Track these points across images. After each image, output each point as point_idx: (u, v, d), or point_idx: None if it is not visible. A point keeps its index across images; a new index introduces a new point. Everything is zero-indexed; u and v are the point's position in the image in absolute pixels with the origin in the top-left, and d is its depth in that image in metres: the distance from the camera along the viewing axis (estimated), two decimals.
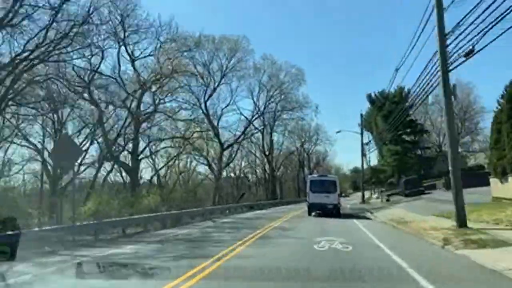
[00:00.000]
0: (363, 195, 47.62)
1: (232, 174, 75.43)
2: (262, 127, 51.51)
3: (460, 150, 62.88)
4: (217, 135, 45.26)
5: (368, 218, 25.20)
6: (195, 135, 37.21)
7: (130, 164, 34.56)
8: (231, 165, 73.42)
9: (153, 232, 18.60)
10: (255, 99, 49.17)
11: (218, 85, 44.18)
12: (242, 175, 73.07)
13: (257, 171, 65.42)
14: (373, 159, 68.61)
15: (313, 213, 25.08)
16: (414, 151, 60.39)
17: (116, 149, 34.74)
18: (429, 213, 21.55)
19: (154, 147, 39.63)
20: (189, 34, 36.70)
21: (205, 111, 43.48)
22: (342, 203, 28.33)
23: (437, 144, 63.58)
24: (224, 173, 74.15)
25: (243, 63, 44.53)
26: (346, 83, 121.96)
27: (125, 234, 17.87)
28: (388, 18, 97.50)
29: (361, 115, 49.31)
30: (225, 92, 48.07)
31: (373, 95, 61.55)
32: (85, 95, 32.99)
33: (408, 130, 58.55)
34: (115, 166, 35.25)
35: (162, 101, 37.10)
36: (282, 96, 49.20)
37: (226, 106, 48.04)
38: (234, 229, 17.43)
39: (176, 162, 41.91)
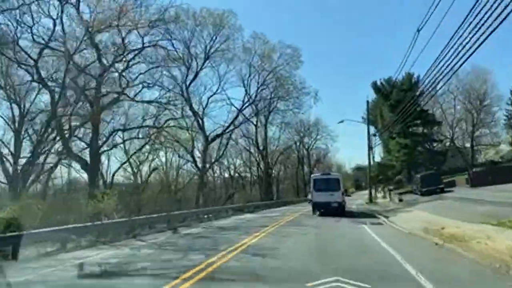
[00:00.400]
0: (371, 194, 40.79)
1: (227, 174, 69.07)
2: (253, 116, 44.21)
3: (474, 144, 56.13)
4: (201, 125, 38.53)
5: (384, 224, 18.50)
6: (170, 123, 30.22)
7: (89, 159, 27.91)
8: (225, 163, 67.07)
9: (65, 254, 11.98)
10: (245, 85, 42.16)
11: (201, 68, 37.47)
12: (236, 174, 66.61)
13: (252, 169, 58.67)
14: (377, 155, 61.82)
15: (317, 212, 23.76)
16: (424, 144, 53.46)
17: (72, 140, 28.15)
18: (473, 218, 14.85)
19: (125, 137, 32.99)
20: (163, 6, 29.91)
21: (186, 97, 36.74)
22: (346, 204, 25.99)
23: (448, 137, 56.48)
24: (217, 172, 67.92)
25: (231, 42, 37.71)
26: (346, 83, 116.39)
27: (15, 258, 11.26)
28: (388, 18, 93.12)
29: (367, 102, 42.46)
30: (212, 79, 41.53)
31: (378, 82, 54.59)
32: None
33: (418, 121, 51.52)
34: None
35: (130, 83, 30.46)
36: (277, 83, 41.98)
37: (213, 94, 41.31)
38: (180, 253, 10.61)
39: (151, 157, 35.13)
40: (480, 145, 56.06)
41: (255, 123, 48.74)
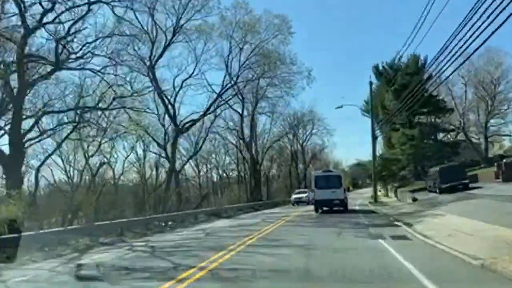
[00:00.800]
0: (376, 192, 33.86)
1: (215, 175, 62.16)
2: (231, 97, 36.28)
3: (489, 135, 49.14)
4: (171, 113, 31.35)
5: (413, 240, 11.42)
6: (115, 104, 22.85)
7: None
8: (213, 161, 59.99)
9: None
10: (227, 65, 34.64)
11: (170, 43, 30.28)
12: (225, 174, 59.67)
13: (240, 166, 51.51)
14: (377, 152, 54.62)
15: (319, 211, 23.41)
16: (433, 135, 46.33)
17: None
18: None
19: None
20: None
21: (151, 78, 29.63)
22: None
23: (459, 128, 49.25)
24: (204, 170, 60.72)
25: (207, 9, 30.34)
26: (346, 80, 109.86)
27: None
28: (388, 15, 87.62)
29: (370, 82, 35.47)
30: (188, 60, 34.44)
31: (380, 66, 47.41)
32: None
33: (425, 109, 44.30)
34: None
35: (75, 55, 23.27)
36: (264, 61, 34.31)
37: (188, 77, 34.00)
38: None
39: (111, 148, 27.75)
40: (499, 134, 49.01)
41: (240, 112, 41.58)
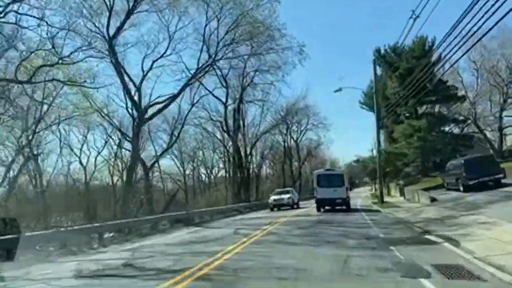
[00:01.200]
0: (382, 192, 28.23)
1: (203, 175, 56.77)
2: (204, 73, 29.42)
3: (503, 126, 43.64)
4: (132, 96, 25.63)
5: (484, 277, 5.81)
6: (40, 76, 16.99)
7: None
8: (200, 159, 54.42)
9: None
10: (205, 41, 28.54)
11: (132, 10, 24.57)
12: (212, 175, 54.24)
13: (226, 164, 45.93)
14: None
15: (322, 209, 23.04)
16: (441, 127, 40.85)
17: None
18: None
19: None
20: None
21: (111, 54, 23.98)
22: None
23: (467, 117, 43.56)
24: (190, 169, 55.13)
25: None
26: (332, 55, 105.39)
27: None
28: None
29: (374, 60, 29.71)
30: (159, 36, 28.64)
31: (382, 50, 41.79)
32: None
33: (433, 98, 38.68)
34: None
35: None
36: (248, 36, 28.26)
37: (160, 57, 28.24)
38: None
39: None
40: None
41: (224, 101, 35.86)
